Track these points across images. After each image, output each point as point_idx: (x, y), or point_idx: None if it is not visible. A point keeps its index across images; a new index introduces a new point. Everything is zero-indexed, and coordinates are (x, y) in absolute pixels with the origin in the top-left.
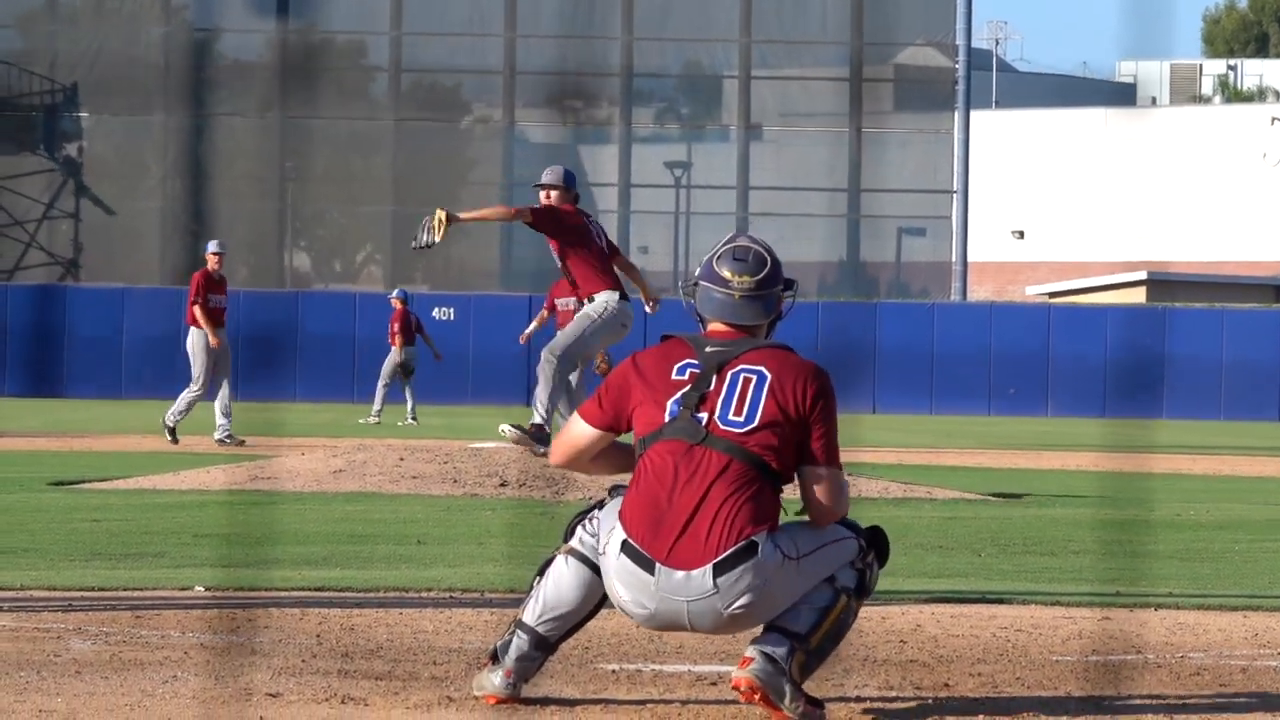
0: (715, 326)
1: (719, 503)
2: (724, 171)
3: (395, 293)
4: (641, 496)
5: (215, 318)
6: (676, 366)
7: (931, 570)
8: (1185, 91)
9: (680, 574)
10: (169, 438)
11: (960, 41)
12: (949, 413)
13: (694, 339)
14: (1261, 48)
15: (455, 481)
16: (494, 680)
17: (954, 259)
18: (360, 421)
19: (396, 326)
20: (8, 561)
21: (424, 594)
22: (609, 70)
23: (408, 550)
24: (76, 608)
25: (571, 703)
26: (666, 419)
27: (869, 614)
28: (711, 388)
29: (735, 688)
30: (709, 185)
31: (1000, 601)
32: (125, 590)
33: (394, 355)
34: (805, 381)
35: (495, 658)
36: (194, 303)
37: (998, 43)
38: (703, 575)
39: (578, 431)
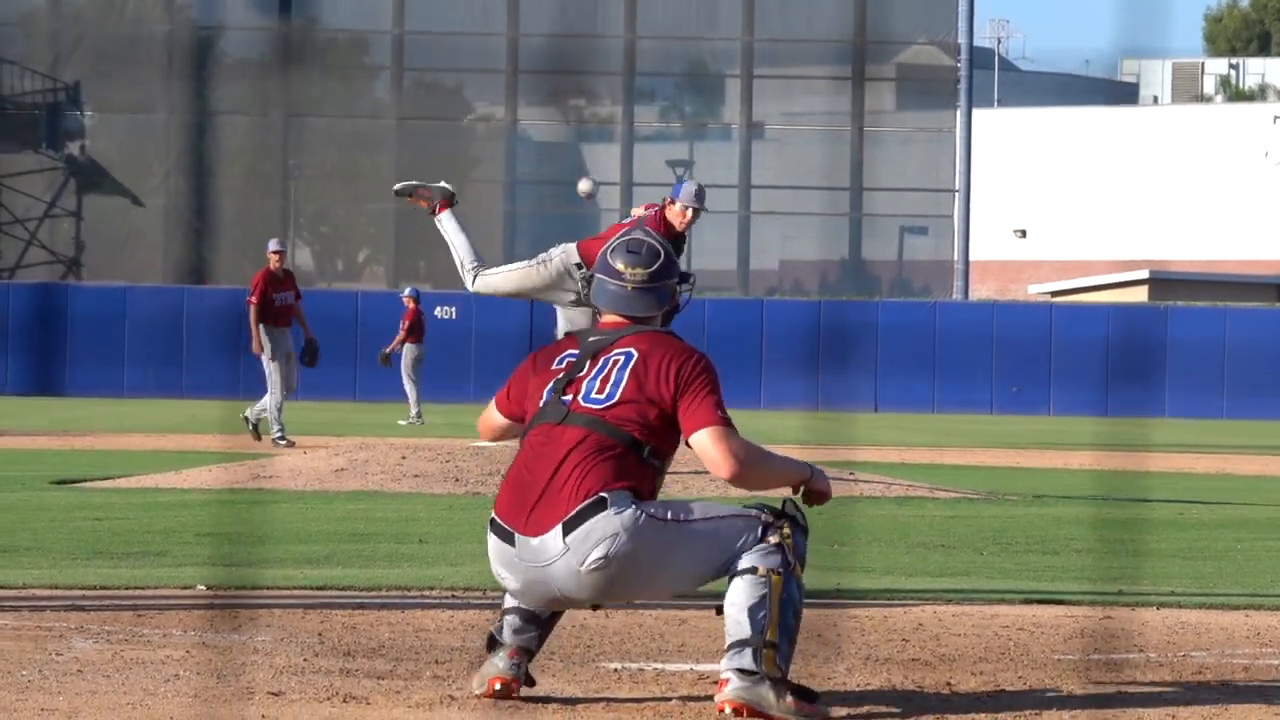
0: (608, 318)
1: (571, 468)
2: (726, 170)
3: (407, 290)
4: (508, 478)
5: (280, 315)
6: (558, 357)
7: (934, 569)
8: (1187, 90)
9: (535, 540)
10: (285, 445)
11: (962, 40)
12: (951, 411)
13: (582, 332)
14: (1263, 46)
15: (457, 480)
16: (498, 663)
17: (956, 258)
18: (400, 423)
19: (406, 324)
20: (10, 560)
21: (426, 593)
22: (611, 69)
23: (410, 549)
24: (79, 606)
25: (573, 701)
26: (541, 404)
27: (871, 613)
28: (583, 372)
29: (721, 711)
30: (711, 184)
31: (1002, 600)
32: (127, 589)
33: (410, 351)
34: (671, 357)
35: (492, 644)
36: (249, 302)
37: (1000, 41)
38: (554, 536)
39: (492, 417)
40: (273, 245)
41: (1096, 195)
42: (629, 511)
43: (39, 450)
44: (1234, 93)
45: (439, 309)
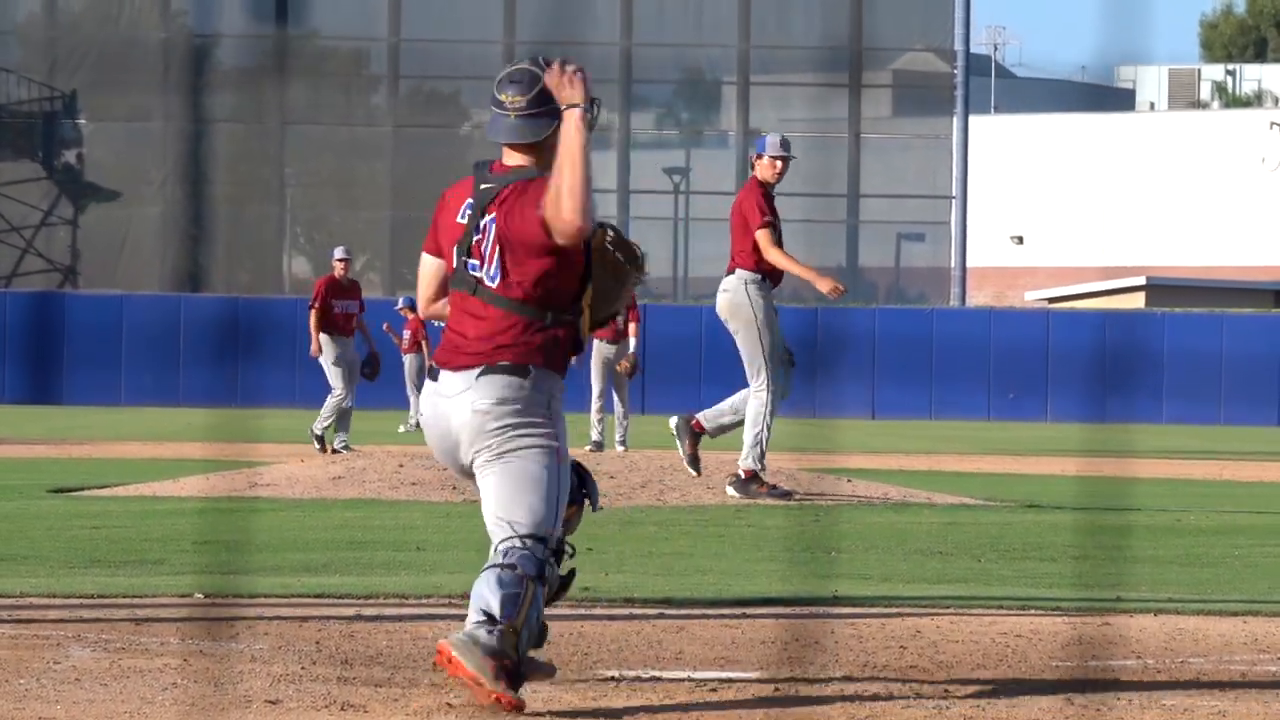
0: (506, 153)
1: (489, 333)
2: (723, 177)
3: (401, 301)
4: (444, 335)
5: (341, 323)
6: (460, 210)
7: (931, 576)
8: (1183, 96)
9: (453, 374)
10: (317, 447)
11: (959, 47)
12: (948, 418)
13: (480, 174)
14: (1260, 52)
15: (454, 488)
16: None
17: (953, 264)
18: (399, 429)
19: (424, 333)
20: (7, 569)
21: (424, 600)
22: (607, 76)
23: (407, 557)
24: (76, 615)
25: (571, 710)
26: (453, 267)
27: (868, 620)
28: (479, 235)
29: (440, 654)
30: (708, 191)
31: (1000, 607)
32: (124, 597)
33: (413, 361)
34: (526, 195)
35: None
36: (310, 307)
37: (996, 48)
38: (466, 375)
39: (428, 269)
40: (338, 253)
41: (1093, 201)
42: (529, 392)
43: (36, 459)
44: (1230, 99)
45: None
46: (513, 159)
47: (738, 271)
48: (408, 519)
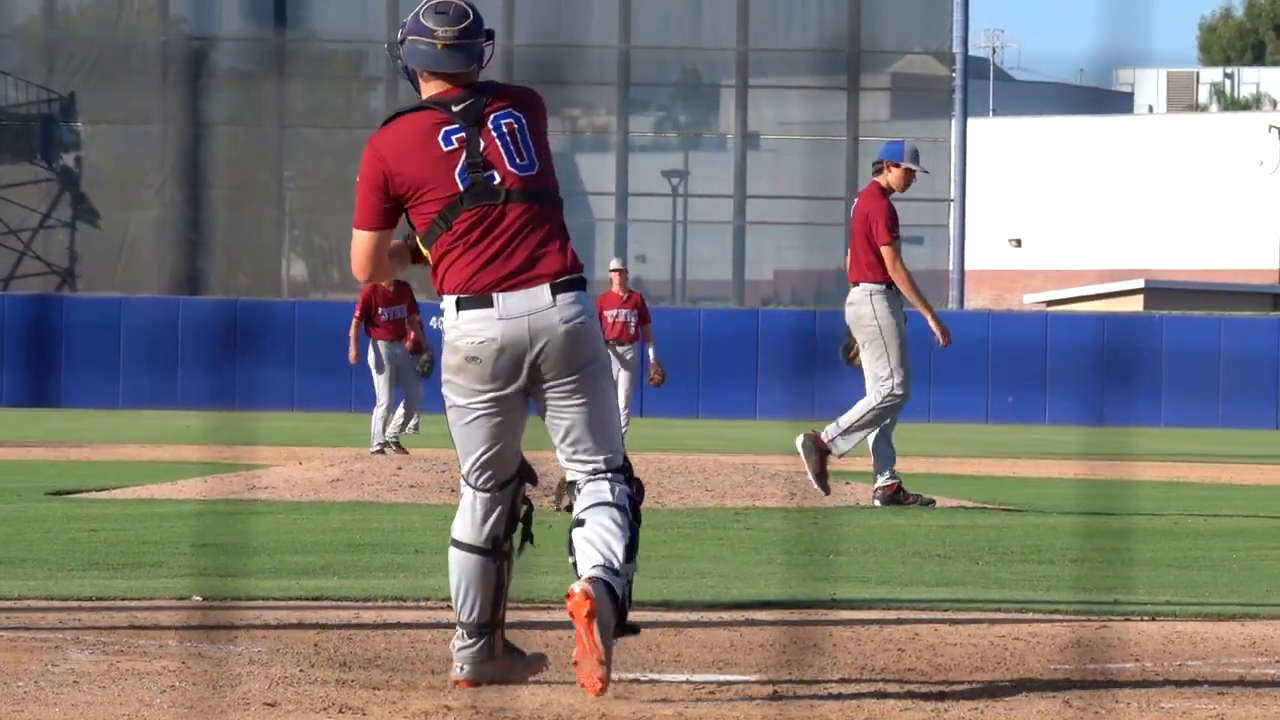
0: (432, 84)
1: (539, 239)
2: (721, 180)
3: None
4: (472, 261)
5: (388, 330)
6: (441, 136)
7: (929, 578)
8: (1181, 99)
9: (520, 293)
10: (377, 452)
11: (957, 49)
12: (946, 420)
13: (431, 105)
14: (1258, 55)
15: (453, 491)
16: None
17: (951, 267)
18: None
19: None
20: (5, 571)
21: (422, 603)
22: (605, 79)
23: (405, 559)
24: (74, 618)
25: (569, 712)
26: (462, 188)
27: (866, 623)
28: (484, 146)
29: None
30: (706, 194)
31: (998, 610)
32: (123, 600)
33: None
34: (536, 104)
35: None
36: (355, 315)
37: (994, 51)
38: (543, 291)
39: (367, 243)
40: None
41: (1091, 204)
42: (591, 305)
43: (34, 461)
44: (1229, 102)
45: (434, 319)
46: (433, 89)
47: (862, 285)
48: (406, 521)
